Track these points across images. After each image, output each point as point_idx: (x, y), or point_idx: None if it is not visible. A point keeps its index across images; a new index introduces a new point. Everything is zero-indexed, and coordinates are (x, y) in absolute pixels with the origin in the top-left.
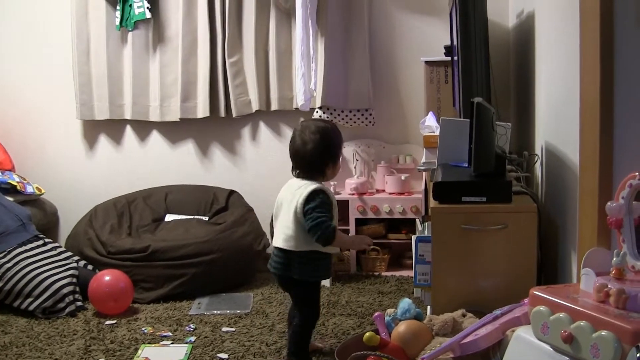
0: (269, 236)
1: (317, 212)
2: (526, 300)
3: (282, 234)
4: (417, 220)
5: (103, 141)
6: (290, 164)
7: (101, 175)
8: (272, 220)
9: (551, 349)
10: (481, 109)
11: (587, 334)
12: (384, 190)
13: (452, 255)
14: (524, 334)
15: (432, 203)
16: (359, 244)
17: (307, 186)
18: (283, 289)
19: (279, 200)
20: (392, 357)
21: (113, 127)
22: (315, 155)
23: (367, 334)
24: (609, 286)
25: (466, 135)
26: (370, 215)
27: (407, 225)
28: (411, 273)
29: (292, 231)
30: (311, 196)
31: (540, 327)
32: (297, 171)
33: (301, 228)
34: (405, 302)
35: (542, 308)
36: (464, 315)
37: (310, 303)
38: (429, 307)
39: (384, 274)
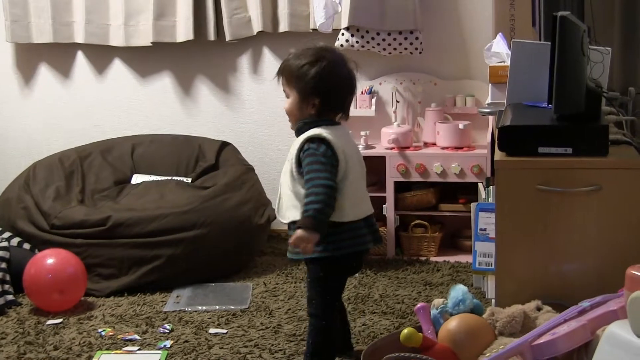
0: (274, 206)
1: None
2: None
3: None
4: (479, 184)
5: (44, 74)
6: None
7: (42, 120)
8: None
9: None
10: (567, 25)
11: None
12: (434, 144)
13: (523, 228)
14: (618, 331)
15: (498, 155)
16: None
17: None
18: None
19: (346, 153)
20: None
21: (58, 55)
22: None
23: (406, 330)
24: None
25: (547, 64)
26: (416, 177)
27: (466, 191)
28: (471, 258)
29: None
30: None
31: None
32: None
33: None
34: (458, 291)
35: None
36: (538, 309)
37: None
38: (493, 300)
39: (433, 258)
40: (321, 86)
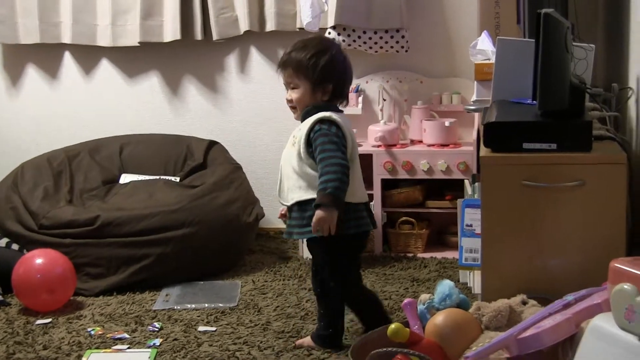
0: (262, 204)
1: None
2: None
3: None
4: (466, 181)
5: (31, 74)
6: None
7: (30, 120)
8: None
9: (639, 341)
10: (551, 22)
11: None
12: (421, 141)
13: (509, 223)
14: (602, 324)
15: (483, 151)
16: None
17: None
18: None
19: (352, 137)
20: (425, 356)
21: (46, 55)
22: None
23: (393, 325)
24: None
25: (531, 61)
26: (402, 174)
27: (452, 188)
28: (457, 254)
29: None
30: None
31: (624, 312)
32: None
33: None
34: (444, 286)
35: (626, 286)
36: (524, 303)
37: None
38: (479, 295)
39: (420, 255)
40: (334, 73)
